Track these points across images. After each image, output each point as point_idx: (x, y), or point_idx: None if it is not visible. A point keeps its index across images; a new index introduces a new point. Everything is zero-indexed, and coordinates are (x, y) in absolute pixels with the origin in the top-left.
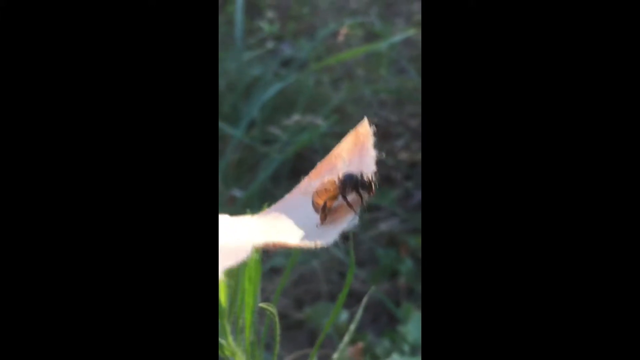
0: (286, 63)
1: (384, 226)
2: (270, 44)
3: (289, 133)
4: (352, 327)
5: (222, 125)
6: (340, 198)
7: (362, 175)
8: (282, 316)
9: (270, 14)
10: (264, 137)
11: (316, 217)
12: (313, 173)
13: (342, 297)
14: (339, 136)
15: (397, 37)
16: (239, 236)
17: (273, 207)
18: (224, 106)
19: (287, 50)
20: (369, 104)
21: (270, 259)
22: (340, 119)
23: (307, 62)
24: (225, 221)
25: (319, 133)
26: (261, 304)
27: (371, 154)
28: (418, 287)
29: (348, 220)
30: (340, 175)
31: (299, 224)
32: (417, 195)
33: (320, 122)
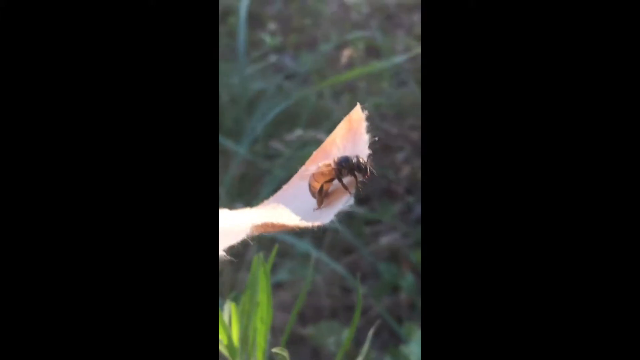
0: (289, 76)
1: (385, 240)
2: (272, 58)
3: (292, 148)
4: (365, 348)
5: (226, 141)
6: (336, 181)
7: (357, 158)
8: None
9: (272, 25)
10: (266, 152)
11: (313, 202)
12: (309, 161)
13: (353, 326)
14: None
15: (400, 58)
16: (239, 221)
17: (272, 197)
18: (227, 120)
19: (288, 62)
20: (370, 117)
21: (276, 275)
22: None
23: (310, 75)
24: (224, 212)
25: None
26: (274, 349)
27: (364, 139)
28: (419, 303)
29: (344, 202)
30: (336, 159)
31: (297, 208)
32: (418, 209)
33: (323, 136)
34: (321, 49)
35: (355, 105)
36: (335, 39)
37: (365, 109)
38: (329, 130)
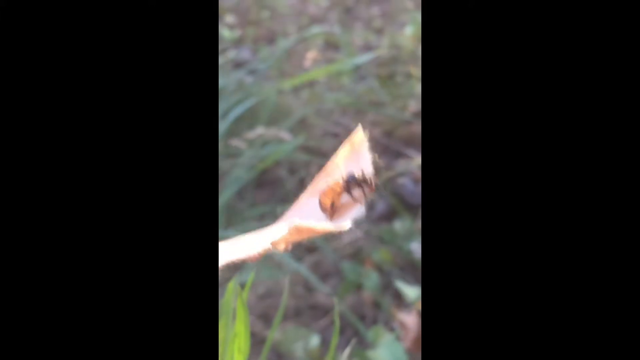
0: (249, 72)
1: (347, 238)
2: (231, 53)
3: (253, 147)
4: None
5: None
6: (345, 196)
7: (362, 173)
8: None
9: (229, 18)
10: (226, 150)
11: (324, 217)
12: (312, 184)
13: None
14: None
15: (361, 58)
16: (262, 235)
17: (282, 217)
18: None
19: (246, 56)
20: (331, 112)
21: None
22: (303, 129)
23: (269, 71)
24: (239, 238)
25: (285, 149)
26: None
27: (367, 158)
28: (383, 301)
29: (356, 211)
30: (344, 176)
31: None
32: (380, 207)
33: (285, 135)
34: (280, 44)
35: (315, 101)
36: (294, 33)
37: (325, 103)
38: (290, 127)
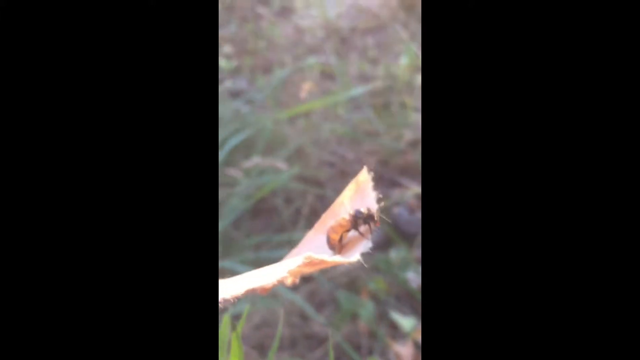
0: (246, 102)
1: (343, 267)
2: (228, 83)
3: (249, 176)
4: None
5: None
6: (352, 232)
7: (367, 209)
8: None
9: (226, 48)
10: (222, 180)
11: (331, 253)
12: (319, 223)
13: None
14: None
15: (357, 90)
16: (275, 267)
17: (290, 253)
18: None
19: (243, 85)
20: (327, 141)
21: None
22: (299, 158)
23: (266, 101)
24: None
25: (281, 179)
26: None
27: (372, 197)
28: (379, 331)
29: (363, 246)
30: (352, 212)
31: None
32: (376, 236)
33: (281, 164)
34: (277, 75)
35: (311, 130)
36: (290, 64)
37: (321, 133)
38: (286, 157)
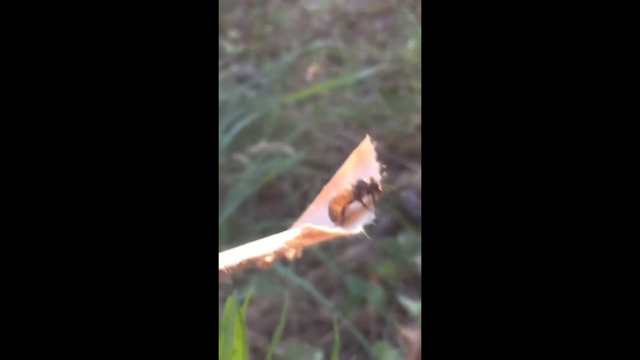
0: (252, 86)
1: (351, 252)
2: (234, 67)
3: (256, 162)
4: None
5: None
6: (355, 202)
7: (371, 179)
8: (253, 350)
9: (233, 33)
10: (229, 165)
11: (334, 225)
12: (320, 195)
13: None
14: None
15: (364, 73)
16: (274, 239)
17: (292, 225)
18: None
19: (250, 71)
20: (334, 126)
21: (242, 291)
22: (306, 143)
23: (272, 85)
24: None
25: (288, 164)
26: None
27: (375, 167)
28: (388, 316)
29: (366, 217)
30: (354, 183)
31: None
32: (385, 221)
33: (288, 149)
34: (284, 59)
35: (318, 115)
36: (297, 48)
37: (328, 118)
38: (293, 142)
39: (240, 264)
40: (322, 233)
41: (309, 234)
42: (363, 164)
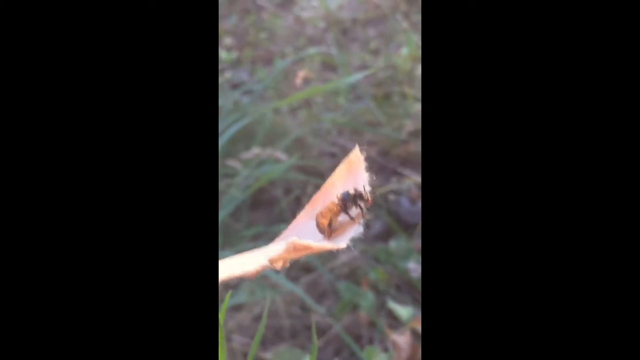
0: (245, 92)
1: (343, 257)
2: (228, 73)
3: (249, 167)
4: None
5: None
6: (342, 215)
7: (355, 190)
8: (243, 355)
9: (227, 40)
10: (222, 170)
11: (321, 238)
12: (309, 204)
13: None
14: (299, 169)
15: (355, 77)
16: (259, 253)
17: (279, 236)
18: None
19: (244, 76)
20: (327, 132)
21: (234, 296)
22: (299, 149)
23: (266, 91)
24: (237, 256)
25: (281, 169)
26: None
27: (365, 177)
28: (379, 321)
29: (354, 230)
30: (339, 195)
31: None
32: (377, 226)
33: (280, 155)
34: (277, 65)
35: (311, 121)
36: (291, 55)
37: (323, 126)
38: (286, 147)
39: (225, 279)
40: (307, 247)
41: (294, 248)
42: (353, 174)
